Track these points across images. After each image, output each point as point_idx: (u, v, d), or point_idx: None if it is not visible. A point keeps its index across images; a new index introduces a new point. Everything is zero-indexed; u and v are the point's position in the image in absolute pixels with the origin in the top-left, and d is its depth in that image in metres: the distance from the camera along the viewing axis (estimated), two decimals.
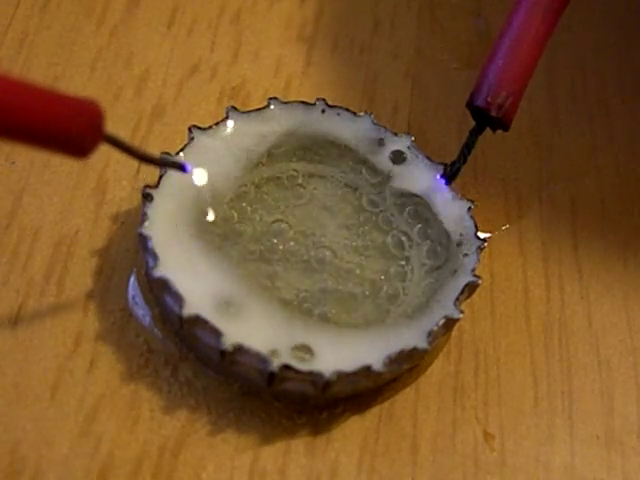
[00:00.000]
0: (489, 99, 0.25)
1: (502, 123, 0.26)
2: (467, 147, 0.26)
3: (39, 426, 0.23)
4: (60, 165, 0.28)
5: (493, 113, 0.26)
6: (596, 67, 0.32)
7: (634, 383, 0.26)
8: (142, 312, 0.25)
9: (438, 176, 0.26)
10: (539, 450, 0.25)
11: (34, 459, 0.23)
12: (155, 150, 0.26)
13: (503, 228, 0.28)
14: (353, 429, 0.24)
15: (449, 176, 0.26)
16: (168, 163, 0.25)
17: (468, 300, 0.25)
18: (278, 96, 0.27)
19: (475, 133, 0.26)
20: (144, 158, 0.24)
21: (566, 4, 0.27)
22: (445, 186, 0.26)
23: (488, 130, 0.27)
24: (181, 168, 0.25)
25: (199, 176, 0.25)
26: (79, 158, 0.21)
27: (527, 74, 0.26)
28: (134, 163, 0.28)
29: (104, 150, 0.28)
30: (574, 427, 0.25)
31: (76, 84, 0.29)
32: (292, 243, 0.26)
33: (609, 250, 0.28)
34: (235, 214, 0.26)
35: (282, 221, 0.26)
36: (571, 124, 0.31)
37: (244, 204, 0.26)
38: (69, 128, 0.20)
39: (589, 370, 0.26)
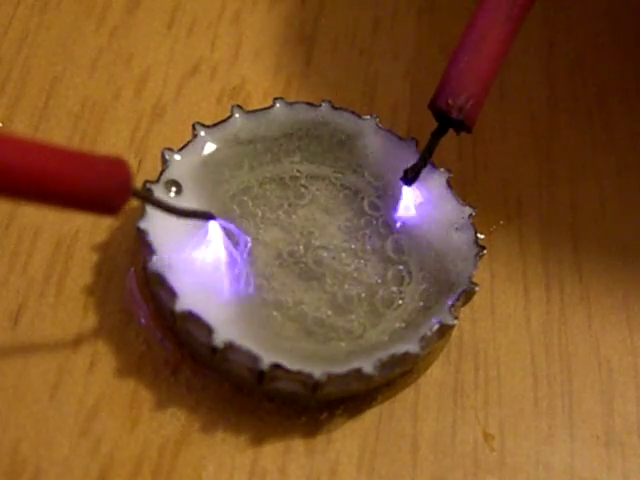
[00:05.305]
0: (449, 101, 0.25)
1: (464, 125, 0.25)
2: (428, 150, 0.26)
3: (39, 426, 0.23)
4: None
5: (454, 115, 0.25)
6: (596, 67, 0.32)
7: (634, 383, 0.26)
8: (142, 312, 0.25)
9: (398, 178, 0.26)
10: (539, 450, 0.25)
11: (34, 459, 0.23)
12: (155, 150, 0.26)
13: (501, 222, 0.28)
14: (353, 429, 0.24)
15: (409, 179, 0.26)
16: (197, 214, 0.24)
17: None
18: (278, 96, 0.27)
19: (437, 135, 0.26)
20: (174, 211, 0.24)
21: (530, 6, 0.26)
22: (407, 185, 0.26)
23: (489, 132, 0.27)
24: (211, 218, 0.25)
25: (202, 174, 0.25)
26: (109, 216, 0.21)
27: (489, 76, 0.25)
28: (134, 163, 0.28)
29: (103, 150, 0.28)
30: (574, 427, 0.25)
31: (76, 84, 0.29)
32: (290, 243, 0.26)
33: (609, 250, 0.28)
34: (237, 209, 0.26)
35: (282, 220, 0.26)
36: (571, 124, 0.31)
37: (246, 198, 0.26)
38: (98, 190, 0.20)
39: (589, 370, 0.26)
